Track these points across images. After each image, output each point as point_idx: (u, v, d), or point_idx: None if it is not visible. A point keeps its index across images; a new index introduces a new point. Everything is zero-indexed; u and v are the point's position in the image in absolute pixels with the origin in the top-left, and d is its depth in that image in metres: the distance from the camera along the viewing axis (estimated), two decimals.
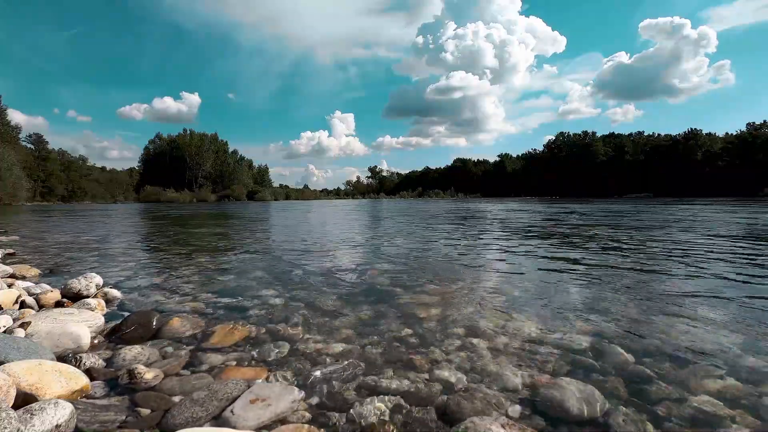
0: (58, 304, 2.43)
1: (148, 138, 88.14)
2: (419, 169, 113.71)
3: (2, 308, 2.23)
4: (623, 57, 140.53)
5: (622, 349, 1.81)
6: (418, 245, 5.69)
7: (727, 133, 60.24)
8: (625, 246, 5.32)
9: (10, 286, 2.68)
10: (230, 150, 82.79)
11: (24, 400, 1.23)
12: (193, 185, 74.35)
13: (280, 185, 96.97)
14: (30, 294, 2.52)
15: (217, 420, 1.26)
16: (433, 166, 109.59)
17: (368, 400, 1.38)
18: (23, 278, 3.24)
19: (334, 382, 1.52)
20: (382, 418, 1.29)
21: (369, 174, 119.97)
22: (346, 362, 1.68)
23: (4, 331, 1.79)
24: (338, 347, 1.85)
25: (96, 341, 1.91)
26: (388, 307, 2.52)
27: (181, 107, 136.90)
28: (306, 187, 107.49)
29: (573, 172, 71.86)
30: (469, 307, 2.50)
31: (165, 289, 3.01)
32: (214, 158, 78.07)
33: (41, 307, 2.40)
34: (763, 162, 50.95)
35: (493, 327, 2.12)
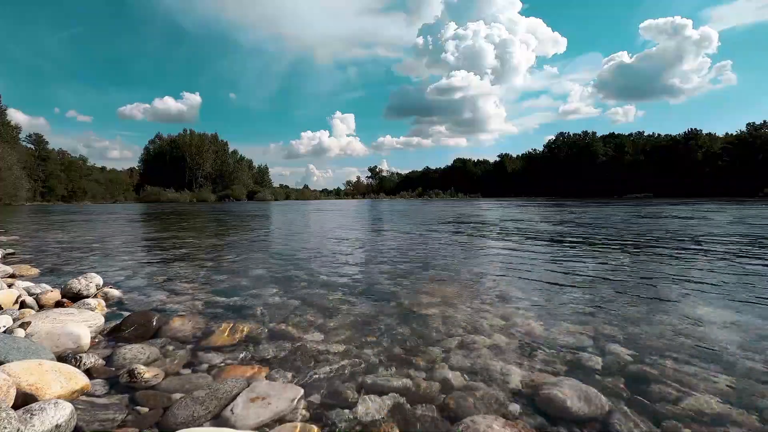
0: (58, 304, 2.43)
1: (148, 138, 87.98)
2: (419, 169, 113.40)
3: (2, 308, 2.23)
4: (624, 57, 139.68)
5: (622, 348, 1.81)
6: (419, 245, 5.69)
7: (727, 134, 60.10)
8: (626, 247, 5.32)
9: (10, 285, 2.68)
10: (230, 150, 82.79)
11: (24, 400, 1.23)
12: (193, 185, 74.28)
13: (280, 185, 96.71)
14: (30, 294, 2.52)
15: (217, 419, 1.26)
16: (433, 166, 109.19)
17: (368, 398, 1.38)
18: (23, 278, 3.24)
19: (334, 380, 1.52)
20: (382, 416, 1.29)
21: (369, 174, 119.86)
22: (346, 361, 1.69)
23: (4, 331, 1.79)
24: (338, 346, 1.85)
25: (96, 341, 1.91)
26: (388, 306, 2.52)
27: (182, 107, 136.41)
28: (306, 187, 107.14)
29: (573, 173, 71.73)
30: (468, 306, 2.51)
31: (165, 289, 3.01)
32: (214, 158, 77.99)
33: (41, 307, 2.40)
34: (763, 162, 50.90)
35: (493, 326, 2.12)
